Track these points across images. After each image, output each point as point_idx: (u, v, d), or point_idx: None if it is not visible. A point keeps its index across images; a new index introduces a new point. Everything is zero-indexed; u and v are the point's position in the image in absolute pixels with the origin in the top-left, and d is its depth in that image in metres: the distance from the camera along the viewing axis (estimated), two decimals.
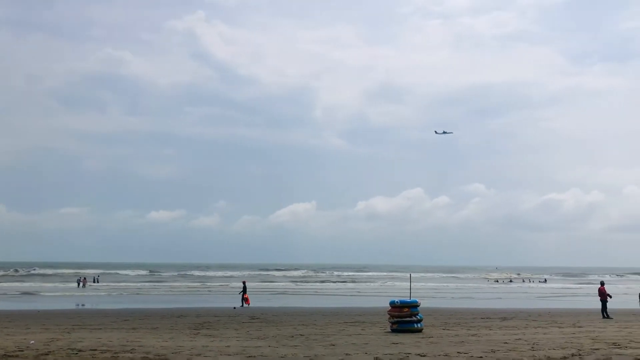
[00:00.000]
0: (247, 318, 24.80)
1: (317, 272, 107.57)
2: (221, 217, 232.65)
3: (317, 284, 71.48)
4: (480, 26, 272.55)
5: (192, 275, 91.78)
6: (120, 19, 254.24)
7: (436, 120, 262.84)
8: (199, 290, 54.87)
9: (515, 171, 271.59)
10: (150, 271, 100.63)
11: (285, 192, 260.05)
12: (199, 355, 13.48)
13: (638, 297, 40.72)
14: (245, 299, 33.61)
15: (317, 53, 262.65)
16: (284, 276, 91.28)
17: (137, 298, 43.41)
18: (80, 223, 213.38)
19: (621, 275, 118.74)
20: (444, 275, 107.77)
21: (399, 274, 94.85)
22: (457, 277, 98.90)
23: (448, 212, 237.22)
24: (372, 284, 74.65)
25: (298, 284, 71.29)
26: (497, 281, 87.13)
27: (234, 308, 31.55)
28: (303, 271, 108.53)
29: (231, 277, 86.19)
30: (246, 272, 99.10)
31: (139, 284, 64.09)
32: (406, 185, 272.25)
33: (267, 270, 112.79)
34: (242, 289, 34.70)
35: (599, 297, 27.69)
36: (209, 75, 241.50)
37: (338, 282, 78.46)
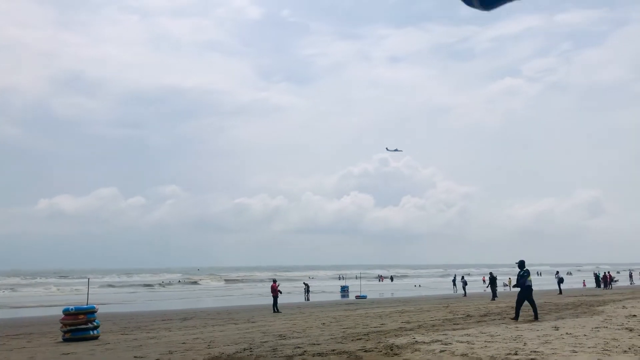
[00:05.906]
0: None
1: None
2: None
3: None
4: (178, 29, 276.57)
5: None
6: None
7: (127, 118, 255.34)
8: None
9: (209, 175, 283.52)
10: None
11: None
12: None
13: (303, 291, 46.74)
14: None
15: None
16: None
17: None
18: None
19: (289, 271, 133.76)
20: (134, 278, 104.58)
21: (80, 280, 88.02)
22: (150, 280, 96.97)
23: (142, 213, 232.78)
24: (47, 290, 67.45)
25: None
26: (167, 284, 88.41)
27: None
28: None
29: None
30: None
31: None
32: (98, 183, 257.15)
33: None
34: None
35: (272, 294, 30.63)
36: None
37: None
